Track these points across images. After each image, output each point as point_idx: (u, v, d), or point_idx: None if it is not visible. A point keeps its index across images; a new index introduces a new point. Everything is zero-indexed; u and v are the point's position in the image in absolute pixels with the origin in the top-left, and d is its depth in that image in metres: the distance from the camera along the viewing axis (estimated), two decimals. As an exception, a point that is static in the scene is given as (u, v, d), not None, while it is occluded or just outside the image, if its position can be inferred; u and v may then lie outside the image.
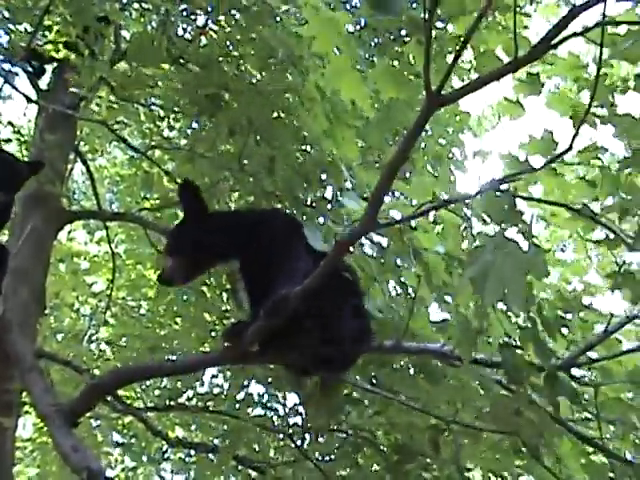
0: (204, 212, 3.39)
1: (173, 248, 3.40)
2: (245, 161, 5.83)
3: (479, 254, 2.72)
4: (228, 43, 6.24)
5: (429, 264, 3.50)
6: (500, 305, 3.55)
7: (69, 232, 10.46)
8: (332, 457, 6.22)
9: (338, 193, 5.46)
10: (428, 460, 4.83)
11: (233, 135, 6.00)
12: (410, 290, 3.94)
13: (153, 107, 7.78)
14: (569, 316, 4.12)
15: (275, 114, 5.83)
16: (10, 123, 7.95)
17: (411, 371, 4.22)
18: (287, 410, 7.04)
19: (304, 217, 5.30)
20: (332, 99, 4.55)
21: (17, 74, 7.27)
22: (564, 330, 3.93)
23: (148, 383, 8.57)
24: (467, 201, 3.07)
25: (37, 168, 4.09)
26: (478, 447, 4.37)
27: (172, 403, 8.10)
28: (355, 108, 4.47)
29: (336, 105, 4.53)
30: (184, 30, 6.75)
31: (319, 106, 4.61)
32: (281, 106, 5.74)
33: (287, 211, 5.02)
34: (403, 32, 7.29)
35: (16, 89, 6.68)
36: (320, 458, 6.29)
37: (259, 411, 7.30)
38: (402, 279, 3.83)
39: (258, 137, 5.93)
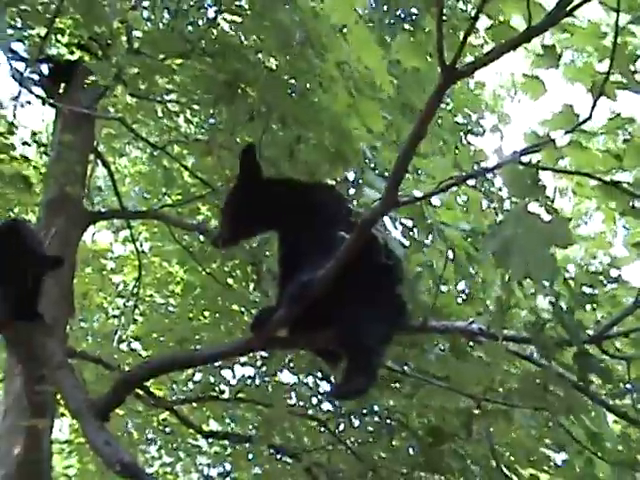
0: (259, 177, 3.40)
1: (226, 210, 3.42)
2: (265, 147, 5.81)
3: (500, 228, 2.70)
4: (241, 32, 6.21)
5: (454, 241, 3.47)
6: (527, 280, 3.52)
7: (93, 233, 10.52)
8: (366, 441, 6.21)
9: (360, 176, 5.44)
10: (461, 441, 4.82)
11: (252, 121, 5.99)
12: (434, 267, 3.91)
13: (168, 103, 7.79)
14: (596, 291, 4.08)
15: (294, 97, 5.79)
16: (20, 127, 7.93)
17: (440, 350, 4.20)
18: (320, 397, 7.04)
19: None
20: (353, 74, 4.53)
21: (33, 79, 7.31)
22: (591, 306, 3.89)
23: (179, 378, 8.60)
24: (488, 176, 3.05)
25: (56, 263, 4.07)
26: (510, 427, 4.36)
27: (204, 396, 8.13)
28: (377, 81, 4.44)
29: (358, 80, 4.50)
30: (195, 24, 6.72)
31: (339, 84, 4.59)
32: (300, 89, 5.71)
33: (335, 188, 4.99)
34: (414, 10, 7.27)
35: (33, 93, 6.71)
36: (354, 443, 6.30)
37: (292, 400, 7.32)
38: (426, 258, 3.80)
39: (278, 122, 5.91)
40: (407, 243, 3.82)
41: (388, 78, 4.08)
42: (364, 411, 6.07)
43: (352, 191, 6.12)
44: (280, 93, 5.71)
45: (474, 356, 3.92)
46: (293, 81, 5.71)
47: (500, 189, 3.23)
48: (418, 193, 3.13)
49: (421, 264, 3.65)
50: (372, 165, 4.75)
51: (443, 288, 3.59)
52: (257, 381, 7.65)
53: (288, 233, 3.28)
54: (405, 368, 4.32)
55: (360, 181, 5.75)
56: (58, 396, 5.95)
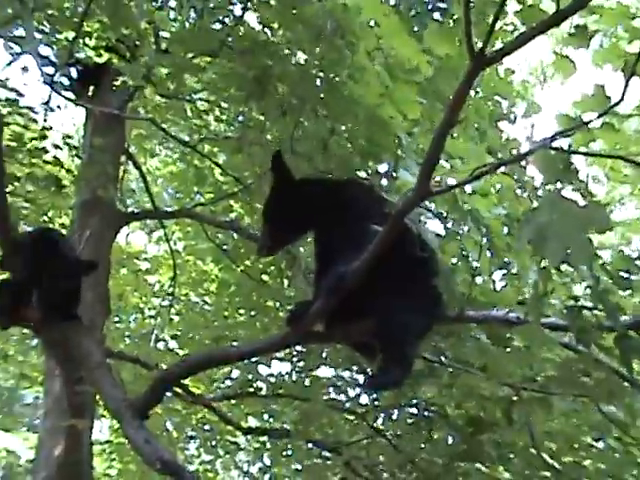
0: (292, 181, 3.41)
1: (265, 218, 3.45)
2: (297, 142, 5.80)
3: (535, 215, 2.67)
4: (270, 26, 6.20)
5: (490, 228, 3.44)
6: (564, 266, 3.49)
7: (127, 234, 10.58)
8: (405, 433, 6.20)
9: (394, 165, 5.42)
10: (501, 430, 4.79)
11: (284, 116, 5.99)
12: (470, 257, 3.88)
13: (197, 101, 7.82)
14: (633, 277, 4.03)
15: (326, 90, 5.78)
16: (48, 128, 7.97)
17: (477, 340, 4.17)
18: (358, 390, 7.04)
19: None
20: (387, 61, 4.50)
21: (63, 83, 7.36)
22: (628, 291, 3.85)
23: (217, 376, 8.64)
24: (521, 162, 3.02)
25: (90, 268, 4.09)
26: (550, 414, 4.32)
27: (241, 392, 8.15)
28: (412, 66, 4.41)
29: (392, 66, 4.47)
30: (222, 22, 6.73)
31: (371, 73, 4.57)
32: (331, 81, 5.68)
33: (367, 182, 4.97)
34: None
35: (63, 96, 6.75)
36: (393, 435, 6.29)
37: (329, 395, 7.32)
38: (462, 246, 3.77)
39: (310, 116, 5.90)
40: (443, 232, 3.80)
41: (424, 58, 4.05)
42: (402, 403, 6.05)
43: (385, 182, 6.08)
44: (311, 86, 5.70)
45: (512, 344, 3.89)
46: (324, 74, 5.68)
47: (533, 177, 3.18)
48: (451, 181, 3.11)
49: (456, 254, 3.63)
50: (407, 153, 4.71)
51: (479, 277, 3.55)
52: (294, 376, 7.65)
53: (322, 230, 3.29)
54: (442, 359, 4.30)
55: (394, 173, 5.71)
56: (97, 397, 6.01)
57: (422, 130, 4.75)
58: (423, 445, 5.82)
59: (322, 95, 5.75)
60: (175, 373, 3.52)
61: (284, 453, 7.95)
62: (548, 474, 5.04)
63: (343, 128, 5.78)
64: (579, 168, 2.89)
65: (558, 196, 2.68)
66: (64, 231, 6.91)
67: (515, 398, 4.09)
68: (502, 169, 3.13)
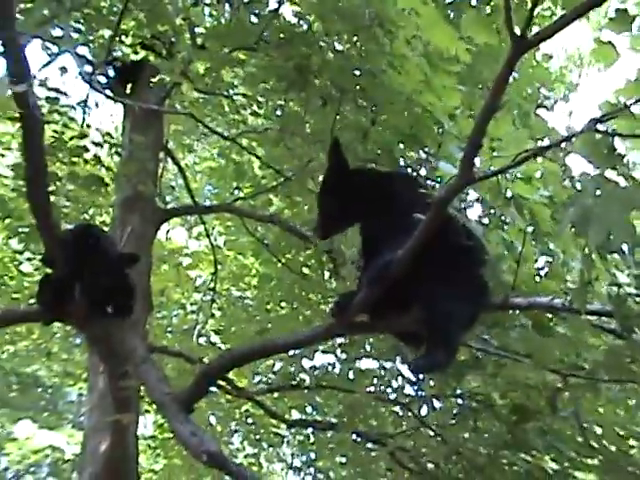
0: (346, 170, 3.43)
1: (319, 203, 3.48)
2: (338, 132, 5.79)
3: (578, 197, 2.65)
4: (307, 17, 6.20)
5: (534, 213, 3.41)
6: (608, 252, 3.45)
7: (168, 231, 10.63)
8: (450, 424, 6.17)
9: (435, 154, 5.40)
10: (547, 419, 4.76)
11: (325, 106, 5.98)
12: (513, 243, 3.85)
13: (235, 96, 7.83)
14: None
15: (365, 79, 5.76)
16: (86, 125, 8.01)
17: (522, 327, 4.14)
18: (402, 381, 7.01)
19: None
20: (426, 50, 4.48)
21: (100, 82, 7.40)
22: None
23: (261, 369, 8.65)
24: (564, 146, 2.98)
25: (132, 261, 4.11)
26: (597, 401, 4.29)
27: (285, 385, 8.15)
28: (451, 55, 4.39)
29: (431, 55, 4.45)
30: (258, 15, 6.73)
31: (411, 61, 4.54)
32: (370, 70, 5.67)
33: (416, 177, 4.96)
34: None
35: (103, 94, 6.78)
36: (438, 425, 6.26)
37: (371, 387, 7.30)
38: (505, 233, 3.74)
39: (350, 105, 5.89)
40: (486, 220, 3.78)
41: (463, 47, 4.03)
42: (447, 393, 6.02)
43: (424, 171, 6.07)
44: (350, 76, 5.69)
45: (558, 332, 3.86)
46: (363, 63, 5.67)
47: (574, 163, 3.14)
48: (492, 168, 3.08)
49: (500, 242, 3.60)
50: (449, 139, 4.68)
51: (523, 264, 3.52)
52: (337, 368, 7.64)
53: (368, 220, 3.29)
54: (487, 347, 4.27)
55: (433, 162, 5.69)
56: (142, 392, 6.05)
57: (463, 116, 4.72)
58: (468, 435, 5.79)
59: (362, 85, 5.74)
60: (219, 366, 3.54)
61: (329, 445, 7.94)
62: (595, 462, 5.00)
63: (384, 117, 5.77)
64: (623, 153, 2.86)
65: (601, 178, 2.66)
66: (105, 229, 6.95)
67: (561, 385, 4.05)
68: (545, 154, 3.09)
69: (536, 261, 3.88)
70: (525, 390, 4.53)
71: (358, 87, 5.74)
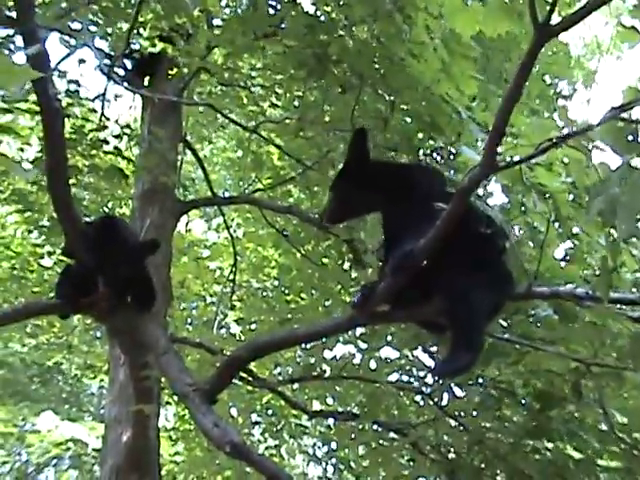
0: (367, 160, 3.41)
1: (333, 189, 3.47)
2: (358, 119, 5.78)
3: (604, 187, 2.63)
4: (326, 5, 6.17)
5: (556, 200, 3.39)
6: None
7: (187, 222, 10.64)
8: (472, 413, 6.15)
9: (455, 141, 5.38)
10: (571, 406, 4.73)
11: (345, 93, 5.96)
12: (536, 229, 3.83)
13: (253, 87, 7.83)
14: None
15: (385, 65, 5.73)
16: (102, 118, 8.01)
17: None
18: (422, 371, 6.98)
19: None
20: (445, 35, 4.46)
21: (118, 74, 7.40)
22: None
23: (281, 361, 8.64)
24: (588, 134, 2.96)
25: (153, 247, 4.09)
26: (622, 388, 4.26)
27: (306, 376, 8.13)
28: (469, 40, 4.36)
29: (450, 41, 4.43)
30: (274, 8, 6.71)
31: (429, 48, 4.52)
32: (390, 57, 5.64)
33: (434, 168, 4.95)
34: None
35: (122, 85, 6.79)
36: (460, 414, 6.24)
37: (393, 378, 7.28)
38: (528, 220, 3.71)
39: (371, 92, 5.87)
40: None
41: (482, 33, 4.00)
42: (469, 382, 5.99)
43: (442, 160, 6.04)
44: (370, 63, 5.67)
45: (582, 319, 3.83)
46: (382, 50, 5.64)
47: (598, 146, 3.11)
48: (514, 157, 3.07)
49: (523, 228, 3.58)
50: (467, 128, 4.67)
51: (546, 250, 3.51)
52: (358, 359, 7.62)
53: (389, 211, 3.28)
54: (509, 336, 4.24)
55: (454, 148, 5.67)
56: (163, 384, 6.06)
57: (479, 108, 4.70)
58: (490, 424, 5.77)
59: (381, 72, 5.71)
60: (242, 357, 3.53)
61: (350, 436, 7.92)
62: (618, 450, 4.98)
63: (404, 107, 5.75)
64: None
65: (627, 168, 2.63)
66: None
67: (585, 373, 4.02)
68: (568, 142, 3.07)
69: (558, 246, 3.86)
70: (548, 377, 4.50)
71: (377, 74, 5.71)
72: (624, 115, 2.79)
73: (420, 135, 5.89)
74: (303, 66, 6.08)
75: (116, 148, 7.11)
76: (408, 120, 5.78)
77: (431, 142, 6.03)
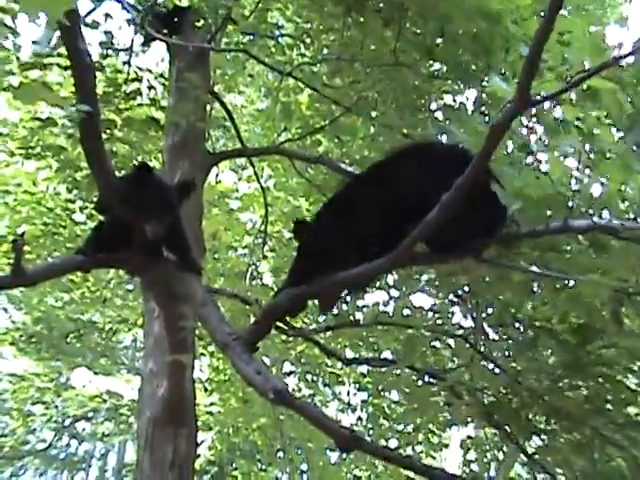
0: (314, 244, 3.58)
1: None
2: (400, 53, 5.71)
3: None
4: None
5: (590, 134, 3.35)
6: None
7: (217, 174, 10.64)
8: (509, 353, 6.13)
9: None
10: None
11: (388, 25, 5.86)
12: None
13: (281, 38, 7.79)
14: None
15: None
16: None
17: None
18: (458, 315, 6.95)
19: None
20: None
21: (144, 28, 7.36)
22: None
23: (314, 309, 8.65)
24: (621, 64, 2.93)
25: (188, 189, 4.03)
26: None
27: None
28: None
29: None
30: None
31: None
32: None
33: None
34: None
35: (155, 36, 6.77)
36: (497, 356, 6.22)
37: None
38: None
39: (415, 20, 5.78)
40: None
41: None
42: (505, 322, 5.95)
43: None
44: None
45: (618, 250, 3.79)
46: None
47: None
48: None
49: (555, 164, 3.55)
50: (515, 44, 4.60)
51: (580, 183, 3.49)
52: (391, 306, 7.61)
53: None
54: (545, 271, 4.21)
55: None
56: (196, 335, 6.09)
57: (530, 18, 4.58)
58: (527, 365, 5.74)
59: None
60: (281, 305, 3.54)
61: (387, 380, 7.94)
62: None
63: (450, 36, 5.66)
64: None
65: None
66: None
67: (623, 300, 3.97)
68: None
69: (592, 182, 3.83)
70: (587, 308, 4.44)
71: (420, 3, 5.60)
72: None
73: (469, 57, 5.76)
74: (341, 2, 5.97)
75: (150, 98, 7.10)
76: (455, 46, 5.67)
77: (479, 64, 5.87)
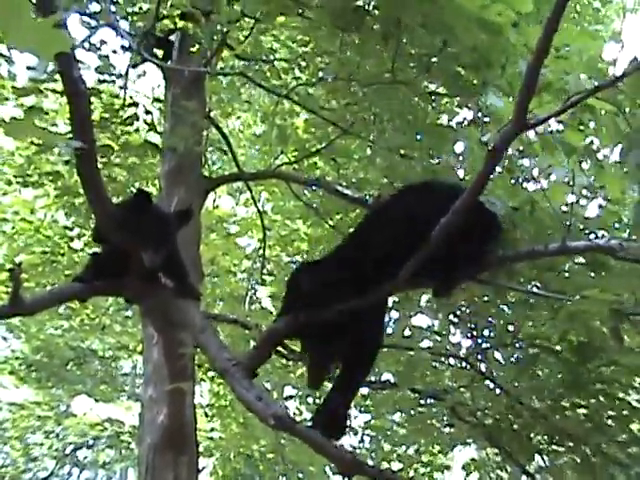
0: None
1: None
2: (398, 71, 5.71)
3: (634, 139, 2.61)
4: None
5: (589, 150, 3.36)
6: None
7: (214, 199, 10.65)
8: (510, 373, 6.11)
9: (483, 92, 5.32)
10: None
11: (387, 42, 5.86)
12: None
13: (276, 62, 7.81)
14: None
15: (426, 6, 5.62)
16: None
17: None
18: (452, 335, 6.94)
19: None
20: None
21: (140, 53, 7.39)
22: None
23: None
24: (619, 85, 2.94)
25: (186, 217, 4.04)
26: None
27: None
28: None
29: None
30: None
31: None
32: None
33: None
34: None
35: (151, 60, 6.78)
36: (497, 376, 6.20)
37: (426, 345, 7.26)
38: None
39: (412, 34, 5.78)
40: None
41: None
42: (505, 342, 5.94)
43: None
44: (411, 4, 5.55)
45: (616, 270, 3.79)
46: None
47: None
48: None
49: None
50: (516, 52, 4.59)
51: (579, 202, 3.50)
52: (391, 328, 7.60)
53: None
54: (544, 292, 4.21)
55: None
56: (197, 362, 6.07)
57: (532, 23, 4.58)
58: (527, 384, 5.73)
59: (423, 12, 5.61)
60: (280, 330, 3.53)
61: (388, 403, 7.92)
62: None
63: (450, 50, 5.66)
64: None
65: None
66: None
67: (623, 317, 3.97)
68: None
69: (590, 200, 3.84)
70: (586, 327, 4.43)
71: (418, 15, 5.60)
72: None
73: (466, 72, 5.76)
74: (339, 19, 5.98)
75: (147, 123, 7.11)
76: (454, 61, 5.68)
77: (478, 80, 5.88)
